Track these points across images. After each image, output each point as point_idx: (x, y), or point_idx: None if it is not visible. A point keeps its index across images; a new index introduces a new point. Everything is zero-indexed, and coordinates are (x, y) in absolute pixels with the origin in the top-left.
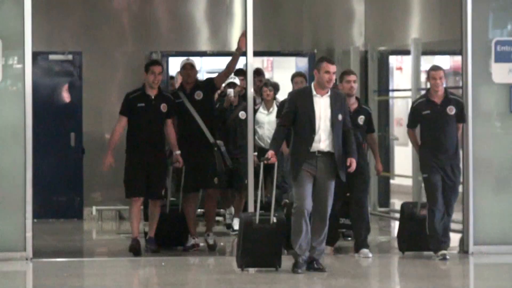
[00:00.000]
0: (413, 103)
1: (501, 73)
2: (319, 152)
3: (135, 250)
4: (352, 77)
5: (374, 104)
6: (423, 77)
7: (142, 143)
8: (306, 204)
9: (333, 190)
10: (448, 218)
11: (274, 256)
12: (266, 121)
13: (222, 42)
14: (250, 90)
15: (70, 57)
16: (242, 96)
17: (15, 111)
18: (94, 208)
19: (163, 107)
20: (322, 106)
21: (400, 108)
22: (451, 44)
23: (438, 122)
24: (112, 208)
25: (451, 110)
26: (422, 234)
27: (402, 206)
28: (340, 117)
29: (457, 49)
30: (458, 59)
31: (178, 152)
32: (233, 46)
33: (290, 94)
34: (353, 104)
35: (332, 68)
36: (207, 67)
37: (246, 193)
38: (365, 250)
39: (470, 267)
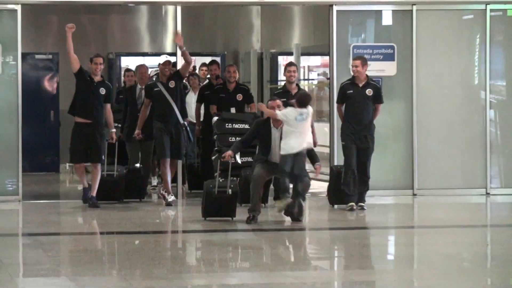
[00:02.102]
0: (341, 84)
1: None
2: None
3: (86, 199)
4: (292, 68)
5: (267, 90)
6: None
7: (86, 115)
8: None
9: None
10: (367, 180)
11: (230, 211)
12: (193, 101)
13: (159, 45)
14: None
15: (50, 56)
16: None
17: (11, 95)
18: (67, 164)
19: (102, 91)
20: (276, 137)
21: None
22: (321, 47)
23: (358, 101)
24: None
25: (370, 92)
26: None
27: (331, 168)
28: None
29: (326, 51)
30: (326, 58)
31: (114, 130)
32: (167, 49)
33: (256, 122)
34: (294, 89)
35: (274, 103)
36: (148, 64)
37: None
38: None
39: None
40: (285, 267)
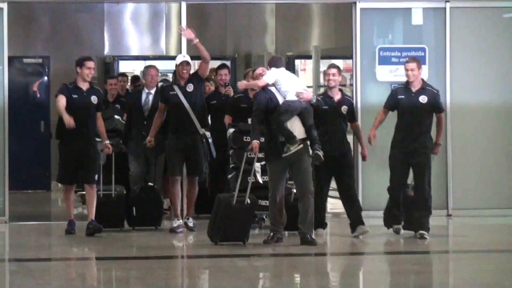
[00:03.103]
0: (393, 87)
1: (383, 73)
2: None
3: (70, 232)
4: (332, 71)
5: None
6: (321, 77)
7: (74, 132)
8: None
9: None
10: (424, 203)
11: (243, 233)
12: None
13: (161, 48)
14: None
15: (40, 60)
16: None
17: None
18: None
19: (94, 100)
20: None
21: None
22: (344, 50)
23: (409, 109)
24: None
25: (424, 99)
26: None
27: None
28: None
29: (349, 54)
30: (349, 62)
31: (107, 141)
32: (171, 52)
33: (257, 95)
34: (336, 95)
35: (259, 70)
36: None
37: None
38: (362, 226)
39: None
40: None
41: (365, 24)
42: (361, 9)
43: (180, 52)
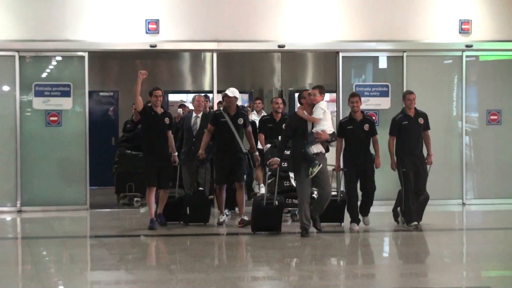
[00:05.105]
0: (394, 117)
1: None
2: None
3: (152, 228)
4: (355, 99)
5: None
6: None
7: (153, 147)
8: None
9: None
10: (424, 197)
11: (277, 224)
12: None
13: (199, 84)
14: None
15: (111, 93)
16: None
17: (80, 125)
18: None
19: (167, 120)
20: (310, 124)
21: None
22: (330, 86)
23: (413, 130)
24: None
25: (421, 121)
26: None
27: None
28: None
29: (333, 89)
30: (334, 95)
31: (175, 153)
32: (205, 87)
33: (290, 117)
34: (359, 116)
35: (306, 93)
36: (190, 99)
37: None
38: (366, 218)
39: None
40: (302, 264)
41: (345, 67)
42: (342, 56)
43: (212, 87)
